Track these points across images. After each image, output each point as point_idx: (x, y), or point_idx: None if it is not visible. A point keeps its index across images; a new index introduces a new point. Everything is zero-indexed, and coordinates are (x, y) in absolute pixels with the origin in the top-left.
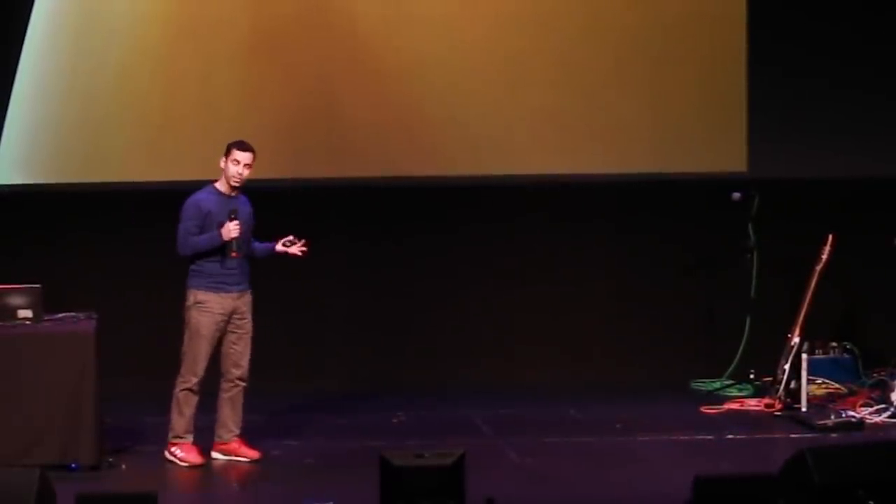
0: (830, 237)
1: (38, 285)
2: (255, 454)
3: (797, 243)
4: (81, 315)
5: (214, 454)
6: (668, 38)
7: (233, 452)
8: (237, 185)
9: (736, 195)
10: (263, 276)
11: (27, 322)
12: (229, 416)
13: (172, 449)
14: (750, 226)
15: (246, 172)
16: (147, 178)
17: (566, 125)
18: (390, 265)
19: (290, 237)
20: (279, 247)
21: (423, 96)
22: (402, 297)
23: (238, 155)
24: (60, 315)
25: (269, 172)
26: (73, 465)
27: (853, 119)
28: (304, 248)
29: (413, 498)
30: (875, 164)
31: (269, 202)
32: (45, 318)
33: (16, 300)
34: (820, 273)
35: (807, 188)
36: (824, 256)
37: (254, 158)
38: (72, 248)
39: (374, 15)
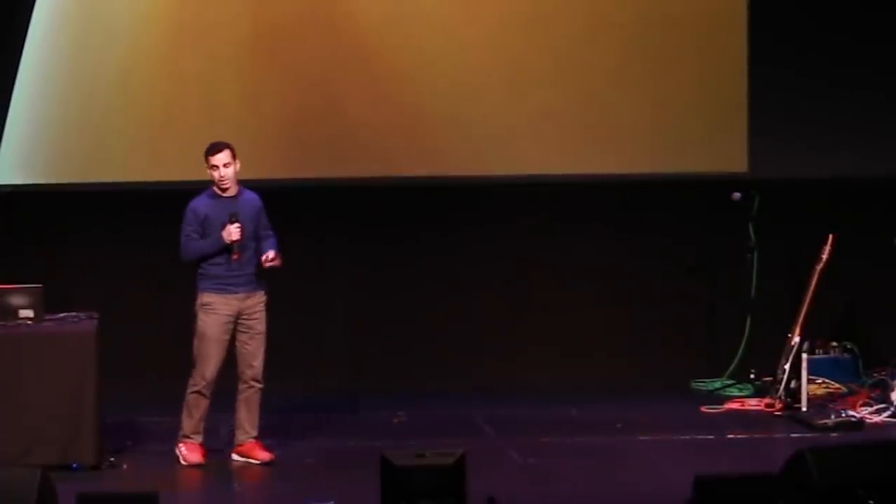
0: (830, 237)
1: (39, 285)
2: (266, 456)
3: (797, 243)
4: (82, 315)
5: (234, 456)
6: (668, 39)
7: (247, 454)
8: (227, 186)
9: (736, 195)
10: (263, 276)
11: (28, 322)
12: (245, 418)
13: (179, 446)
14: (750, 226)
15: (228, 172)
16: (148, 177)
17: (567, 125)
18: (391, 265)
19: (267, 255)
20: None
21: (423, 96)
22: (402, 297)
23: (212, 160)
24: (61, 315)
25: (269, 172)
26: (74, 465)
27: (853, 119)
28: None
29: (414, 497)
30: (875, 164)
31: (269, 202)
32: (47, 317)
33: (17, 300)
34: (820, 273)
35: (807, 188)
36: (824, 256)
37: (232, 154)
38: (73, 248)
39: (376, 14)
